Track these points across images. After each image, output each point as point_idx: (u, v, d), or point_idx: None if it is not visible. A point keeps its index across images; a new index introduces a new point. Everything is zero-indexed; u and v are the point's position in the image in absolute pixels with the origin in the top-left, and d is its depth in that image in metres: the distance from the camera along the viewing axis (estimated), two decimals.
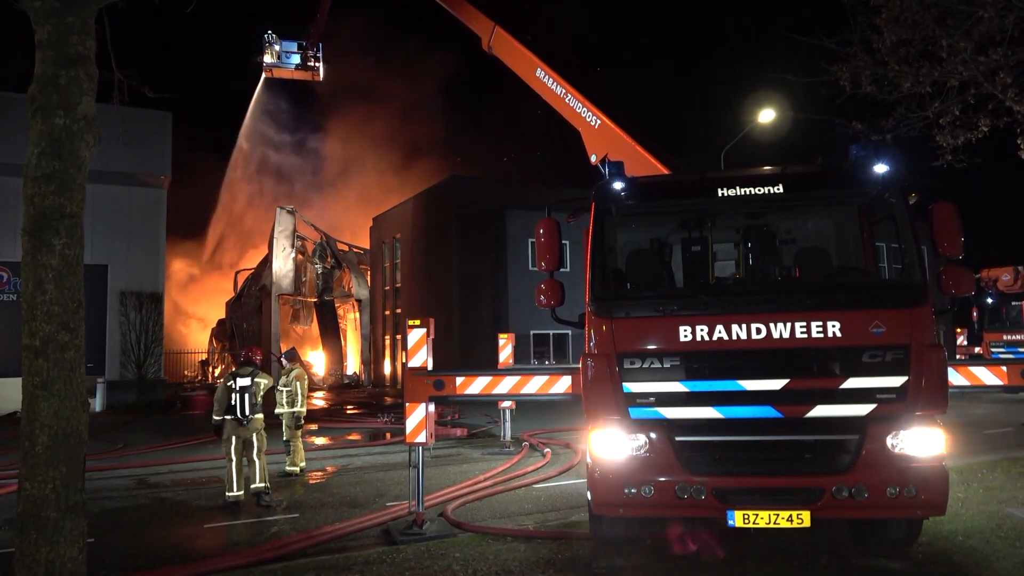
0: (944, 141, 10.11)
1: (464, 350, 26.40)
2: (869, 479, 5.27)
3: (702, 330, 5.54)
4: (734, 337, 5.50)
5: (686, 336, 5.55)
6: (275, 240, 35.68)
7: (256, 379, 9.26)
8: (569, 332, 27.13)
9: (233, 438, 9.12)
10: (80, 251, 5.00)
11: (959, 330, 23.24)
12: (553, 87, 13.65)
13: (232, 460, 9.07)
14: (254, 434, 9.22)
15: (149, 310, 25.72)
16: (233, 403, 9.12)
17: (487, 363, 19.06)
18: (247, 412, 9.11)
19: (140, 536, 7.87)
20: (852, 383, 5.36)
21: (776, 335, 5.45)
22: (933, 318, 5.48)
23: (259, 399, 9.27)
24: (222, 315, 42.87)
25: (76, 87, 4.98)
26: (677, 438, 5.57)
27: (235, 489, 9.04)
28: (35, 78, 4.98)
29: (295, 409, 11.11)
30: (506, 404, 13.27)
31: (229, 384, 9.19)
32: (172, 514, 8.85)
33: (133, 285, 25.46)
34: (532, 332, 27.10)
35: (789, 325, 5.45)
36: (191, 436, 15.74)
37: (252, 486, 9.17)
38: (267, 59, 38.48)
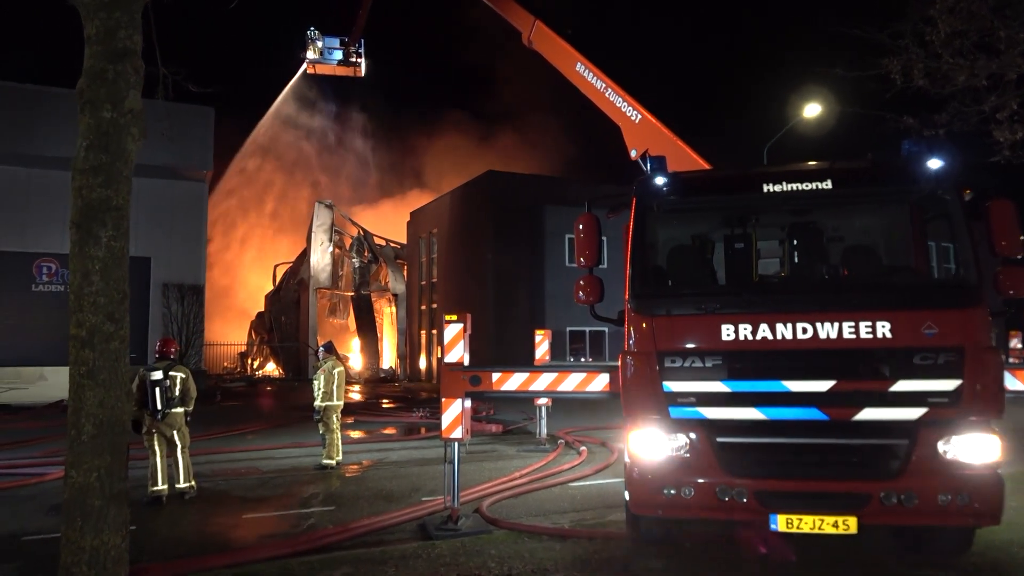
0: (1001, 136, 9.78)
1: (500, 346, 26.42)
2: (919, 485, 5.14)
3: (745, 329, 5.45)
4: (779, 337, 5.40)
5: (728, 335, 5.47)
6: (313, 234, 36.20)
7: (171, 373, 9.04)
8: (606, 329, 26.96)
9: (154, 432, 8.95)
10: (125, 243, 5.11)
11: (1013, 333, 22.51)
12: (593, 81, 13.57)
13: (155, 453, 8.91)
14: (175, 431, 9.04)
15: (190, 302, 26.31)
16: (147, 397, 8.88)
17: (523, 359, 19.06)
18: (160, 406, 8.87)
19: (180, 525, 8.03)
20: (902, 386, 5.23)
21: (823, 335, 5.34)
22: (989, 320, 5.31)
23: (176, 393, 9.04)
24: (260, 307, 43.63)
25: (123, 81, 5.08)
26: (718, 439, 5.50)
27: (159, 483, 8.89)
28: (84, 72, 5.10)
29: (327, 403, 11.18)
30: (542, 401, 13.23)
31: (143, 378, 8.94)
32: (211, 504, 9.01)
33: (175, 277, 26.07)
34: (568, 329, 27.01)
35: (836, 325, 5.33)
36: (231, 427, 16.05)
37: (176, 485, 9.03)
38: (310, 55, 38.93)
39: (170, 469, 9.07)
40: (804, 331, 5.37)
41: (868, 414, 5.26)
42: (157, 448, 8.97)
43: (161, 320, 25.58)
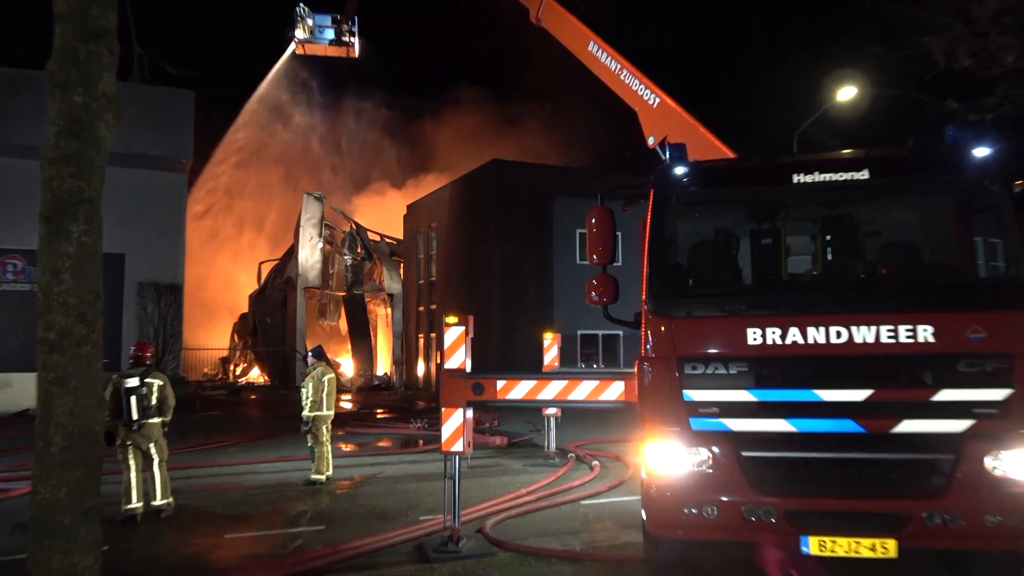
0: None
1: (505, 351, 26.43)
2: (965, 505, 5.11)
3: (774, 333, 5.44)
4: (810, 341, 5.39)
5: (755, 339, 5.46)
6: (301, 229, 36.26)
7: (147, 380, 9.05)
8: (621, 333, 26.96)
9: (129, 444, 8.96)
10: (99, 238, 5.13)
11: None
12: (607, 62, 13.54)
13: (130, 468, 8.92)
14: (151, 444, 9.04)
15: (168, 303, 26.39)
16: (122, 406, 8.86)
17: (530, 365, 19.05)
18: (136, 416, 8.86)
19: (156, 545, 8.06)
20: (946, 395, 5.20)
21: (858, 339, 5.32)
22: None
23: (152, 402, 9.04)
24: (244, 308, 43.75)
25: (97, 62, 5.10)
26: (744, 453, 5.48)
27: (133, 500, 8.90)
28: (54, 53, 5.12)
29: (316, 413, 11.18)
30: (551, 411, 13.22)
31: (117, 385, 8.95)
32: (190, 522, 9.04)
33: (151, 276, 26.15)
34: (580, 332, 27.01)
35: (873, 328, 5.32)
36: (212, 438, 16.09)
37: (153, 502, 9.03)
38: (299, 34, 38.97)
39: (146, 484, 9.09)
40: (838, 335, 5.35)
41: (908, 426, 5.23)
42: (132, 462, 8.99)
43: (136, 322, 25.69)
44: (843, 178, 5.73)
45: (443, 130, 57.70)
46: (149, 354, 9.50)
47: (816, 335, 5.38)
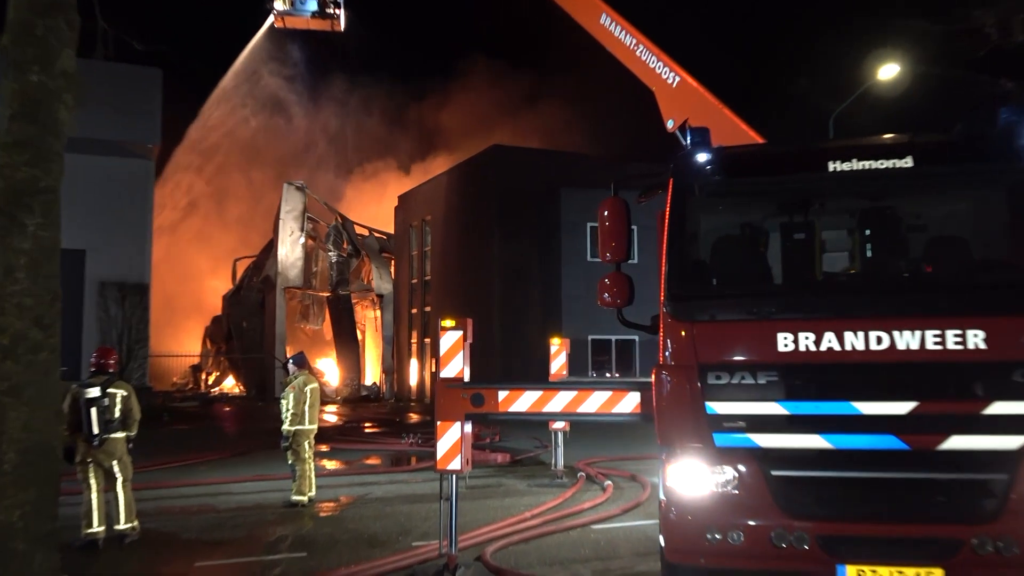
0: None
1: (508, 358, 26.47)
2: (1020, 530, 5.10)
3: (807, 338, 5.44)
4: (848, 347, 5.38)
5: (786, 345, 5.46)
6: (281, 222, 36.35)
7: (110, 390, 9.04)
8: (636, 338, 26.97)
9: (90, 461, 8.94)
10: (57, 233, 5.14)
11: None
12: (621, 36, 13.54)
13: (91, 488, 8.92)
14: (115, 461, 9.03)
15: (133, 304, 26.45)
16: (82, 419, 8.82)
17: (536, 374, 19.07)
18: (96, 430, 8.82)
19: (120, 573, 8.07)
20: (999, 408, 5.19)
21: (901, 346, 5.31)
22: None
23: (116, 415, 9.02)
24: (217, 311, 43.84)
25: (55, 38, 5.11)
26: (773, 472, 5.48)
27: (95, 524, 8.89)
28: (7, 27, 5.13)
29: (297, 427, 11.18)
30: (559, 425, 13.23)
31: (76, 396, 8.91)
32: (157, 548, 9.06)
33: (115, 274, 26.21)
34: (590, 337, 27.02)
35: (918, 333, 5.31)
36: (182, 455, 16.10)
37: (116, 526, 9.02)
38: (278, 5, 38.90)
39: (108, 506, 9.10)
40: (879, 341, 5.34)
41: (957, 442, 5.22)
42: (93, 481, 9.00)
43: (98, 326, 25.79)
44: (884, 166, 5.72)
45: (443, 113, 57.83)
46: (112, 361, 9.51)
47: (854, 341, 5.37)
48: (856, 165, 5.76)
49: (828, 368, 5.41)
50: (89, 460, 8.98)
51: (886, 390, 5.31)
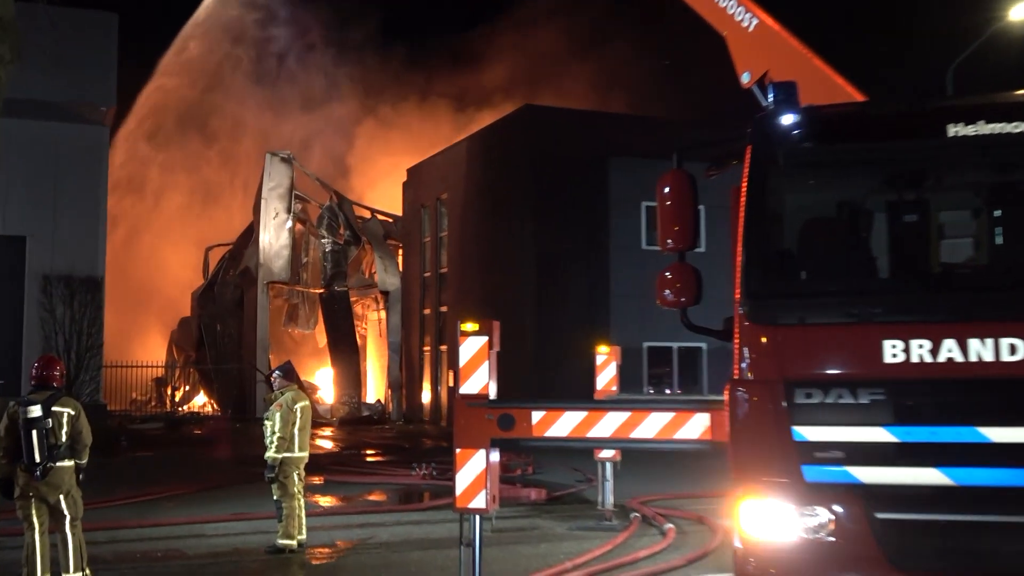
0: None
1: (543, 370, 26.50)
2: None
3: (921, 346, 5.41)
4: (972, 358, 5.34)
5: (895, 355, 5.43)
6: (263, 202, 36.53)
7: (55, 408, 9.05)
8: (703, 345, 26.92)
9: (31, 495, 8.96)
10: None
11: None
12: None
13: (33, 528, 8.96)
14: (61, 496, 9.05)
15: (84, 303, 26.70)
16: (21, 444, 8.81)
17: (578, 390, 19.05)
18: (38, 458, 8.79)
19: None
20: None
21: None
22: None
23: (62, 438, 9.05)
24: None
25: None
26: (879, 515, 5.46)
27: (38, 572, 8.92)
28: None
29: (284, 454, 11.24)
30: (607, 454, 13.21)
31: (14, 416, 8.94)
32: None
33: (61, 266, 26.47)
34: (646, 345, 27.01)
35: None
36: (143, 489, 16.28)
37: (64, 575, 9.06)
38: None
39: (54, 551, 9.20)
40: (1012, 350, 5.30)
41: None
42: (36, 520, 9.08)
43: (41, 329, 26.08)
44: (1018, 131, 5.67)
45: (464, 66, 57.80)
46: (58, 373, 9.59)
47: (981, 350, 5.33)
48: (983, 129, 5.71)
49: (948, 384, 5.40)
50: (31, 494, 9.05)
51: (1022, 412, 5.27)
